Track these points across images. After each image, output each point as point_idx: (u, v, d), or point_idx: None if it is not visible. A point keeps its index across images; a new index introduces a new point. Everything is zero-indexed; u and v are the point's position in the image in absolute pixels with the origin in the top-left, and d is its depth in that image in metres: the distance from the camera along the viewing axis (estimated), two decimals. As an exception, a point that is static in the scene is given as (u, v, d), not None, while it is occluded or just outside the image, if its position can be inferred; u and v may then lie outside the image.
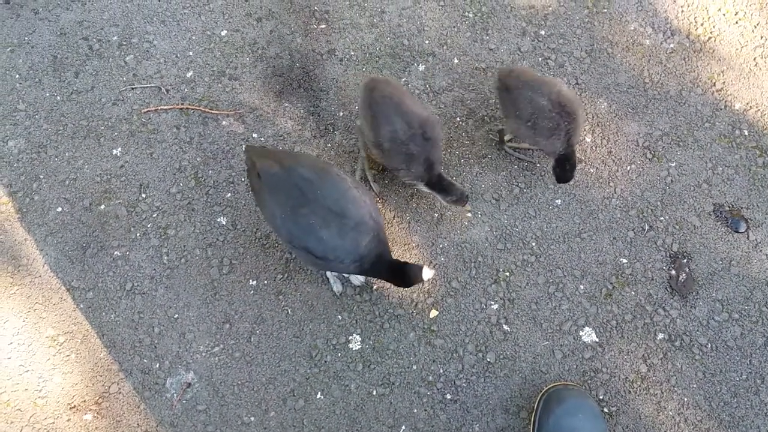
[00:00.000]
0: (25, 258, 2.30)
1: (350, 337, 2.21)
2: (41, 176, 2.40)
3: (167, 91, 2.53)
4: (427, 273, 1.97)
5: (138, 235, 2.33)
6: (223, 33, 2.62)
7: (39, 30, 2.61)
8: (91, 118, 2.48)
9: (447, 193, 2.19)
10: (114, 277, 2.28)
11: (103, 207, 2.37)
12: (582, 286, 2.26)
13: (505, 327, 2.22)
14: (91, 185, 2.39)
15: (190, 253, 2.31)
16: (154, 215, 2.36)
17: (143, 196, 2.38)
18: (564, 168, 2.20)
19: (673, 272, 2.28)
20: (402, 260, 2.03)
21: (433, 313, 2.22)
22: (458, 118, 2.47)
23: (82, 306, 2.24)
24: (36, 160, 2.42)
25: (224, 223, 2.35)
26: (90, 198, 2.38)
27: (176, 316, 2.23)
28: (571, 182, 2.28)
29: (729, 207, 2.36)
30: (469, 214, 2.31)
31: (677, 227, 2.33)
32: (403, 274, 1.99)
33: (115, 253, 2.31)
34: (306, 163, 1.95)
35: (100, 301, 2.25)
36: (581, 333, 2.21)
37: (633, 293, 2.25)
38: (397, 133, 2.10)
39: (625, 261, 2.30)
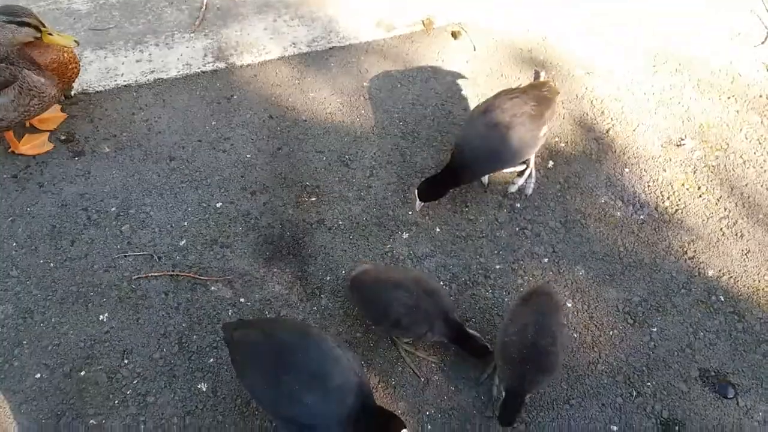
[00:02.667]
0: (-5, 427, 2.21)
1: None
2: (24, 342, 2.39)
3: (159, 258, 2.60)
4: None
5: (116, 402, 2.27)
6: (219, 205, 2.76)
7: (41, 201, 2.74)
8: (82, 284, 2.53)
9: (471, 342, 2.26)
10: (86, 447, 2.18)
11: (83, 373, 2.33)
12: (574, 456, 2.18)
13: (496, 502, 2.09)
14: (73, 351, 2.37)
15: (167, 421, 2.24)
16: (135, 382, 2.31)
17: (125, 362, 2.36)
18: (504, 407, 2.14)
19: (667, 440, 2.21)
20: (389, 411, 1.99)
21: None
22: (441, 282, 2.54)
23: (48, 480, 2.12)
24: (21, 326, 2.42)
25: (204, 389, 2.30)
26: (71, 364, 2.34)
27: (147, 490, 2.10)
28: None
29: (714, 372, 2.36)
30: None
31: (665, 393, 2.30)
32: (385, 428, 1.95)
33: (91, 421, 2.23)
34: (285, 327, 1.98)
35: (68, 474, 2.13)
36: (577, 508, 2.09)
37: (627, 463, 2.17)
38: (404, 302, 2.21)
39: (616, 429, 2.23)
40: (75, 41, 2.64)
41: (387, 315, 2.23)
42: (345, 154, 2.94)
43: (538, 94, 2.65)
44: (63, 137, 2.95)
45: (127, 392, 2.29)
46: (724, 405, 2.28)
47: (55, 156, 2.89)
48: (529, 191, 2.79)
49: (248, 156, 2.92)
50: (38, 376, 2.32)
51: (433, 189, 2.61)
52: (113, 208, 2.74)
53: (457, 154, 2.60)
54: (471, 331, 2.29)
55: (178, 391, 2.30)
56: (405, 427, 1.93)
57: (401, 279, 2.28)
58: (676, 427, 2.23)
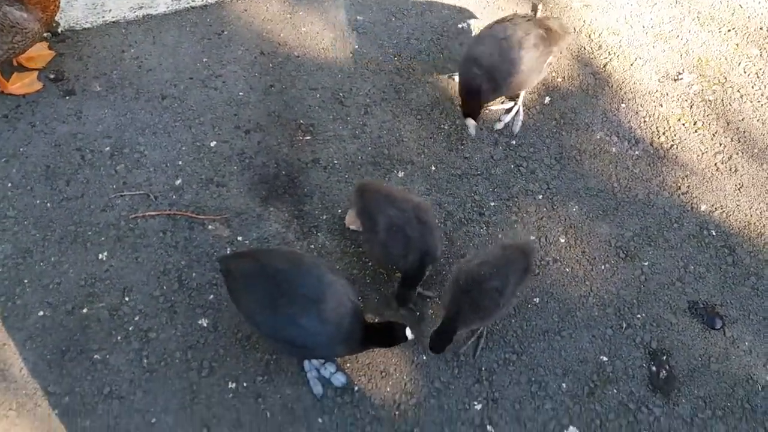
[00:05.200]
0: (1, 363, 2.27)
1: (331, 441, 2.16)
2: (25, 281, 2.42)
3: (156, 197, 2.61)
4: (410, 334, 2.04)
5: (119, 338, 2.32)
6: (213, 144, 2.75)
7: (34, 141, 2.72)
8: (80, 224, 2.54)
9: (403, 301, 2.27)
10: (92, 381, 2.24)
11: (85, 310, 2.37)
12: (564, 385, 2.25)
13: (489, 428, 2.18)
14: (75, 289, 2.41)
15: (170, 355, 2.29)
16: (136, 318, 2.36)
17: (126, 299, 2.40)
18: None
19: (654, 369, 2.28)
20: (384, 321, 2.07)
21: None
22: (437, 221, 2.56)
23: (57, 412, 2.19)
24: (21, 265, 2.45)
25: (205, 324, 2.35)
26: (73, 302, 2.38)
27: (154, 420, 2.17)
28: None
29: (703, 304, 2.41)
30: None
31: (654, 324, 2.37)
32: (388, 334, 2.04)
33: (95, 356, 2.29)
34: (279, 255, 2.03)
35: (76, 407, 2.19)
36: (566, 433, 2.18)
37: (615, 391, 2.24)
38: (392, 219, 2.23)
39: (605, 359, 2.31)
40: None
41: (374, 227, 2.26)
42: (339, 91, 2.90)
43: (547, 26, 2.63)
44: (52, 76, 2.91)
45: (129, 328, 2.34)
46: (711, 335, 2.35)
47: (45, 95, 2.85)
48: (516, 129, 2.77)
49: (241, 94, 2.89)
50: (41, 313, 2.36)
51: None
52: (107, 148, 2.73)
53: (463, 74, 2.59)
54: (422, 291, 2.34)
55: (179, 326, 2.35)
56: (406, 326, 2.02)
57: (402, 198, 2.31)
58: (664, 357, 2.31)
